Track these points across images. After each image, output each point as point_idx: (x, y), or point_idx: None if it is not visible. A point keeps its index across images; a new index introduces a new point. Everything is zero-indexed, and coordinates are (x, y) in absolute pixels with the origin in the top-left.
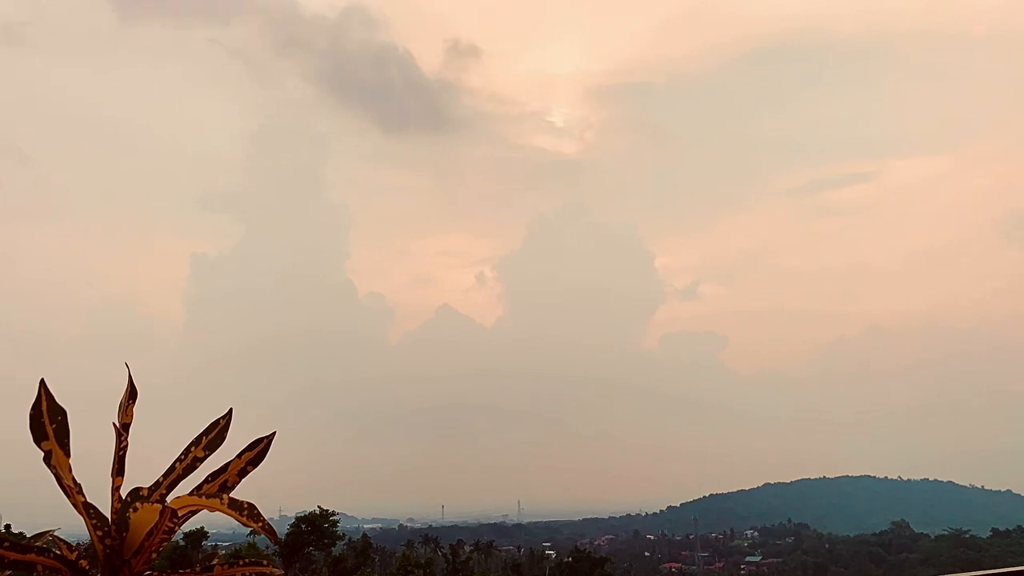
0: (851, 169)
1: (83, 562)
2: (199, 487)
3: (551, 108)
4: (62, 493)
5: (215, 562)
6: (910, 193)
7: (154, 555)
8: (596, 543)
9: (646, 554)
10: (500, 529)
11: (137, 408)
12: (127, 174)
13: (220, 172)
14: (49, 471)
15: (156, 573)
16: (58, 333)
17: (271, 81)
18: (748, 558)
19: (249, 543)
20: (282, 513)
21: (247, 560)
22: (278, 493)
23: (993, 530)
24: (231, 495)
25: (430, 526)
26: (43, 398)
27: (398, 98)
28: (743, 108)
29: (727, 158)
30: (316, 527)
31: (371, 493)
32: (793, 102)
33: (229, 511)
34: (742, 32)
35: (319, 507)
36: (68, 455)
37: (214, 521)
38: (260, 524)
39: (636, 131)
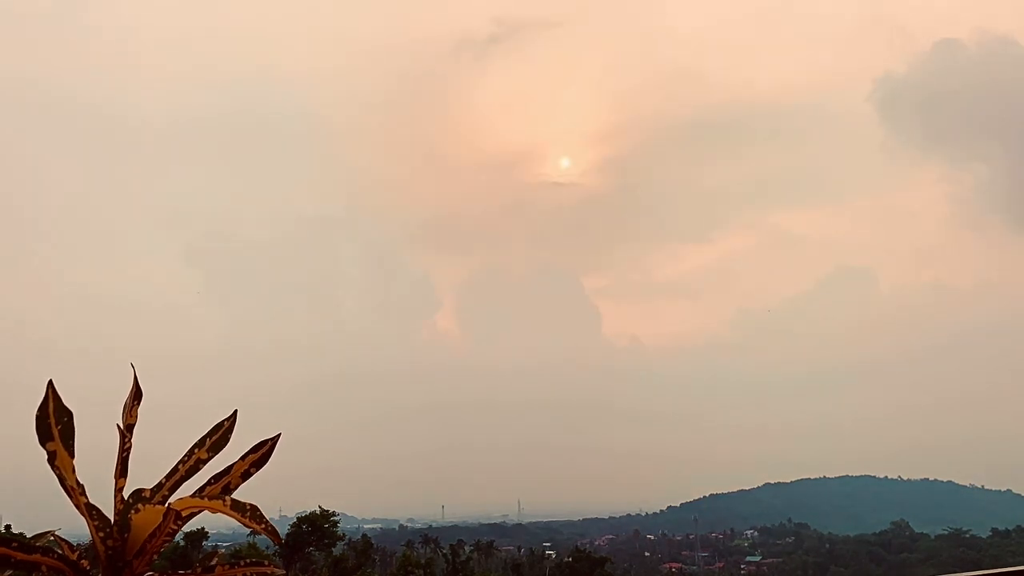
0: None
1: (85, 562)
2: (202, 489)
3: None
4: (62, 493)
5: (215, 562)
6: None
7: (155, 556)
8: (596, 543)
9: (646, 554)
10: (500, 529)
11: (141, 409)
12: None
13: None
14: (51, 471)
15: (157, 573)
16: (64, 331)
17: None
18: (748, 558)
19: (250, 543)
20: (282, 513)
21: (248, 560)
22: (278, 493)
23: (993, 530)
24: (233, 497)
25: (430, 526)
26: (50, 399)
27: None
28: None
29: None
30: (316, 527)
31: (371, 493)
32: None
33: (232, 513)
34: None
35: (319, 507)
36: (72, 456)
37: (214, 521)
38: (263, 526)
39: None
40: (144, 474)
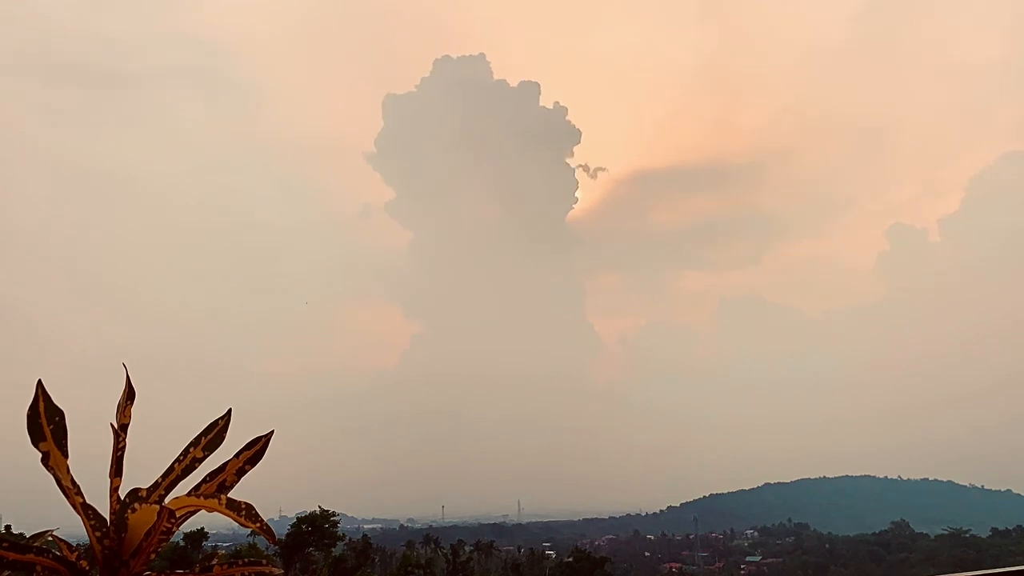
0: None
1: (83, 562)
2: (197, 487)
3: None
4: (61, 494)
5: (214, 562)
6: None
7: (153, 555)
8: (596, 543)
9: (646, 554)
10: (500, 529)
11: (135, 408)
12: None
13: None
14: (47, 472)
15: (155, 573)
16: (58, 330)
17: None
18: (748, 558)
19: (249, 543)
20: (282, 514)
21: (247, 560)
22: (278, 494)
23: (993, 530)
24: (229, 495)
25: (430, 526)
26: (40, 399)
27: None
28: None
29: None
30: (316, 527)
31: (371, 493)
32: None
33: (227, 511)
34: None
35: (319, 507)
36: (66, 456)
37: (214, 522)
38: (258, 524)
39: None
40: (142, 473)
